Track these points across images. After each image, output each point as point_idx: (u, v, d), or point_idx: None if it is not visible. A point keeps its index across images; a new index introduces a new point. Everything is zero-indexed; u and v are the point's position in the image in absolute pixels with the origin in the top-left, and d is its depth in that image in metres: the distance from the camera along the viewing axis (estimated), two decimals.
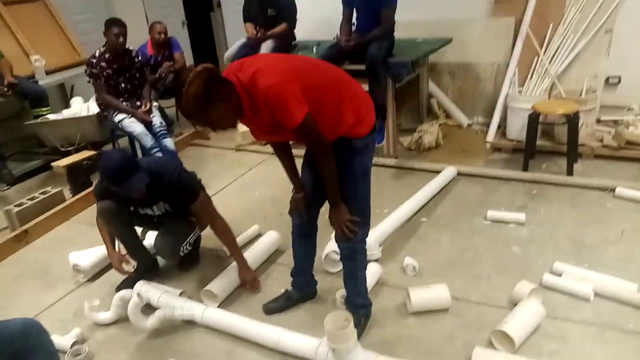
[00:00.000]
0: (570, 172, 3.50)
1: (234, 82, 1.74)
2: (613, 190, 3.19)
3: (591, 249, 2.68)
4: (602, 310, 2.24)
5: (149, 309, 2.42)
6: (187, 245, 2.74)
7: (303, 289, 2.48)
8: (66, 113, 4.50)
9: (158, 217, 2.67)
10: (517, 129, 3.96)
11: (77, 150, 4.20)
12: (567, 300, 2.32)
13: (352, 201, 1.99)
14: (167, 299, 2.45)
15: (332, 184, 1.92)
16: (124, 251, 2.69)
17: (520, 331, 2.07)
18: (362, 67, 3.74)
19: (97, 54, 3.87)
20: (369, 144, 1.98)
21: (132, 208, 2.60)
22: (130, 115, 3.94)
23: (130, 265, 2.72)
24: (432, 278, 2.54)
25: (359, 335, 2.13)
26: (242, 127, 4.73)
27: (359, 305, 2.25)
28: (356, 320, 2.07)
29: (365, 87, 3.80)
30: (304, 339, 2.12)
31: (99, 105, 4.12)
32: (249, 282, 2.57)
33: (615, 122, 4.03)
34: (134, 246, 2.74)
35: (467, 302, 2.39)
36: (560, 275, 2.46)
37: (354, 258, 2.15)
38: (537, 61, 4.23)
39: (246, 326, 2.26)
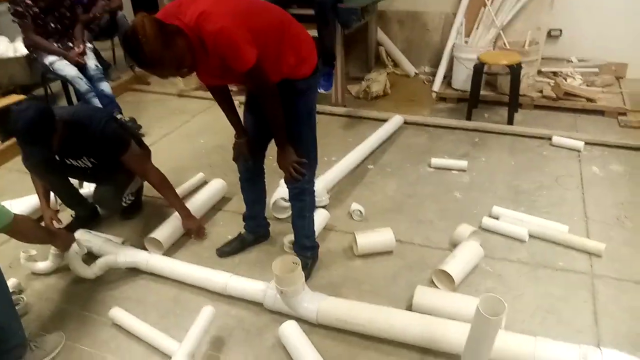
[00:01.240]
0: (510, 121, 3.62)
1: (178, 24, 1.64)
2: (550, 138, 3.33)
3: (527, 194, 2.81)
4: (535, 251, 2.37)
5: (89, 258, 2.35)
6: (129, 195, 2.64)
7: (256, 231, 2.49)
8: None
9: (90, 169, 2.48)
10: (462, 79, 4.03)
11: (5, 94, 3.91)
12: (504, 242, 2.44)
13: (297, 142, 1.98)
14: (109, 246, 2.37)
15: (279, 125, 1.89)
16: (59, 206, 2.57)
17: (460, 270, 2.16)
18: (311, 11, 3.63)
19: None
20: (312, 85, 1.96)
21: (57, 158, 2.42)
22: (62, 58, 3.69)
23: (61, 224, 2.57)
24: (377, 223, 2.59)
25: (307, 278, 2.16)
26: None
27: (307, 247, 2.27)
28: (304, 263, 2.10)
29: (314, 32, 3.71)
30: (251, 283, 2.12)
31: (27, 46, 3.82)
32: (194, 231, 2.52)
33: (555, 73, 4.16)
34: (68, 195, 2.62)
35: (410, 244, 2.46)
36: (498, 218, 2.58)
37: (302, 198, 2.15)
38: (483, 12, 4.25)
39: (193, 272, 2.24)
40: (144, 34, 1.53)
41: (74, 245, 2.23)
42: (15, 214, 1.81)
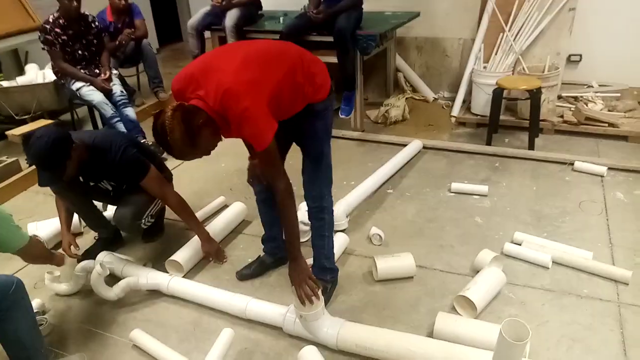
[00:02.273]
0: (531, 146, 3.60)
1: (202, 107, 1.69)
2: (572, 164, 3.30)
3: (550, 220, 2.77)
4: (559, 278, 2.33)
5: (111, 280, 2.37)
6: (149, 217, 2.66)
7: (274, 253, 2.49)
8: (21, 80, 4.31)
9: (112, 191, 2.55)
10: (482, 104, 4.03)
11: (33, 119, 4.03)
12: (527, 268, 2.40)
13: (318, 161, 2.03)
14: (131, 269, 2.40)
15: (293, 231, 1.95)
16: (83, 228, 2.60)
17: (482, 297, 2.12)
18: (330, 38, 3.70)
19: (50, 20, 3.70)
20: (328, 106, 2.00)
21: (81, 180, 2.47)
22: (88, 84, 3.80)
23: (79, 249, 2.58)
24: (397, 247, 2.58)
25: (326, 302, 2.15)
26: None
27: (326, 269, 2.26)
28: (323, 287, 2.10)
29: (333, 59, 3.77)
30: (271, 307, 2.12)
31: (56, 73, 3.96)
32: (212, 254, 2.53)
33: (576, 98, 4.14)
34: (91, 216, 2.67)
35: (431, 270, 2.44)
36: (520, 244, 2.54)
37: (321, 217, 2.16)
38: (502, 37, 4.28)
39: (213, 295, 2.24)
40: (172, 137, 1.65)
41: (97, 267, 2.26)
42: (30, 237, 1.88)
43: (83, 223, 2.81)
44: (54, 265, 2.23)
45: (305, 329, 1.99)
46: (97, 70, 3.91)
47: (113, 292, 2.29)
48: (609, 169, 3.21)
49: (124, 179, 2.43)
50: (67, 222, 2.57)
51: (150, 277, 2.34)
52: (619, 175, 3.19)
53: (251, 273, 2.46)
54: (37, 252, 1.97)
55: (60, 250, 2.48)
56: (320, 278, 2.17)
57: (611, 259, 2.43)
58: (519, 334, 1.43)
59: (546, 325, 2.06)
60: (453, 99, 4.47)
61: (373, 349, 1.90)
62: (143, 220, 2.60)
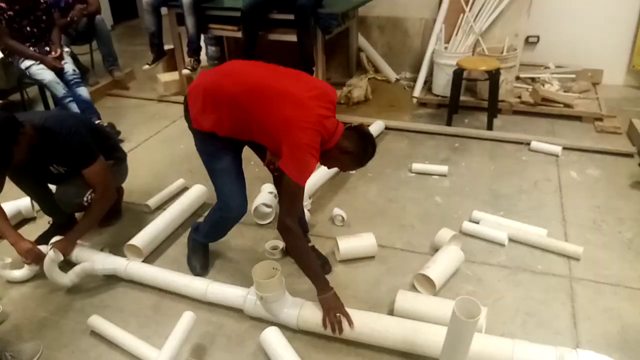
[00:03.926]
0: (490, 126, 3.66)
1: None
2: (528, 143, 3.38)
3: (507, 198, 2.85)
4: (515, 254, 2.40)
5: (66, 265, 2.30)
6: (90, 195, 2.51)
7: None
8: None
9: (64, 175, 2.41)
10: (443, 84, 4.07)
11: None
12: (484, 246, 2.46)
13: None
14: (87, 254, 2.33)
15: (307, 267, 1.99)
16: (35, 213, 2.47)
17: (440, 275, 2.17)
18: (291, 16, 3.64)
19: None
20: None
21: (34, 164, 2.30)
22: (38, 62, 3.63)
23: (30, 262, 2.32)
24: (359, 228, 2.60)
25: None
26: (164, 77, 4.51)
27: None
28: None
29: (293, 37, 3.72)
30: (231, 289, 2.11)
31: (2, 50, 3.75)
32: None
33: (533, 79, 4.23)
34: (45, 200, 2.55)
35: (392, 249, 2.47)
36: (478, 222, 2.60)
37: None
38: (462, 18, 4.31)
39: (173, 279, 2.20)
40: None
41: (50, 252, 2.18)
42: None
43: (36, 207, 2.70)
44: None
45: (266, 311, 1.99)
46: (47, 48, 3.73)
47: (67, 278, 2.22)
48: (564, 148, 3.31)
49: (72, 164, 2.32)
50: (11, 226, 2.32)
51: (106, 262, 2.27)
52: (572, 154, 3.29)
53: (202, 266, 2.36)
54: None
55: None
56: None
57: (564, 236, 2.52)
58: (472, 311, 1.46)
59: (502, 300, 2.12)
60: (415, 80, 4.49)
61: None
62: (85, 198, 2.47)
